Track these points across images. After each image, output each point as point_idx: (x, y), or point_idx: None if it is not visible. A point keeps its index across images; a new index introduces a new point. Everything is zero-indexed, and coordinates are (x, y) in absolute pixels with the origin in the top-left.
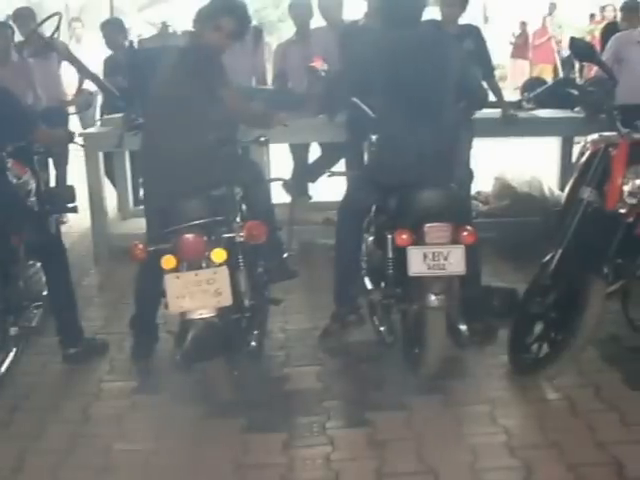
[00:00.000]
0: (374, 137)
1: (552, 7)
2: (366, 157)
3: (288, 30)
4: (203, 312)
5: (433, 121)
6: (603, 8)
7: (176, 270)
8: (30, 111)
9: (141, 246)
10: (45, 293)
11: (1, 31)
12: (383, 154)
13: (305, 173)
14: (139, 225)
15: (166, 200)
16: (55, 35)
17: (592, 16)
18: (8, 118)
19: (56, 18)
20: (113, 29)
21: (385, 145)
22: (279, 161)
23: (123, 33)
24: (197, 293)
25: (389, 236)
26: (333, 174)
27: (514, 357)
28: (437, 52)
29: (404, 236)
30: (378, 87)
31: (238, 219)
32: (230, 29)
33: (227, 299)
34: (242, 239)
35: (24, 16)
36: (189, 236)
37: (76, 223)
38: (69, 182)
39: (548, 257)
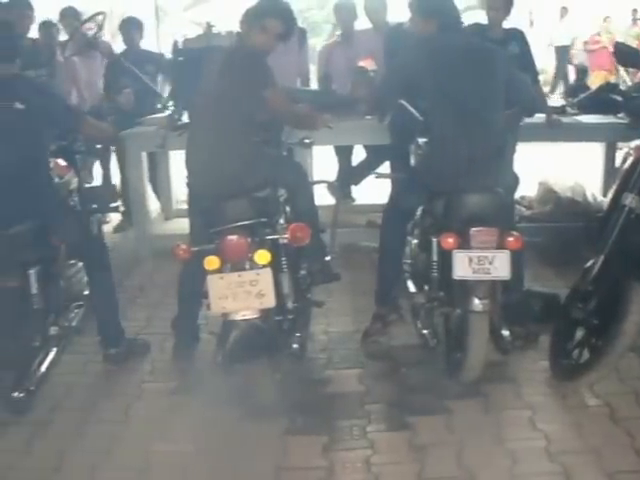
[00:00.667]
0: (421, 140)
1: (564, 11)
2: (412, 160)
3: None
4: (246, 313)
5: (482, 125)
6: (635, 11)
7: (219, 271)
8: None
9: (184, 246)
10: (86, 293)
11: (47, 30)
12: (431, 157)
13: (349, 175)
14: (181, 225)
15: (211, 201)
16: (98, 34)
17: (634, 20)
18: (55, 111)
19: (100, 17)
20: (130, 28)
21: (434, 148)
22: (323, 163)
23: (140, 32)
24: (240, 294)
25: (434, 239)
26: (379, 176)
27: (554, 363)
28: (485, 57)
29: (450, 240)
30: (427, 90)
31: (282, 221)
32: (276, 31)
33: (270, 301)
34: (286, 241)
35: (69, 15)
36: (233, 237)
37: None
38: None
39: (590, 263)
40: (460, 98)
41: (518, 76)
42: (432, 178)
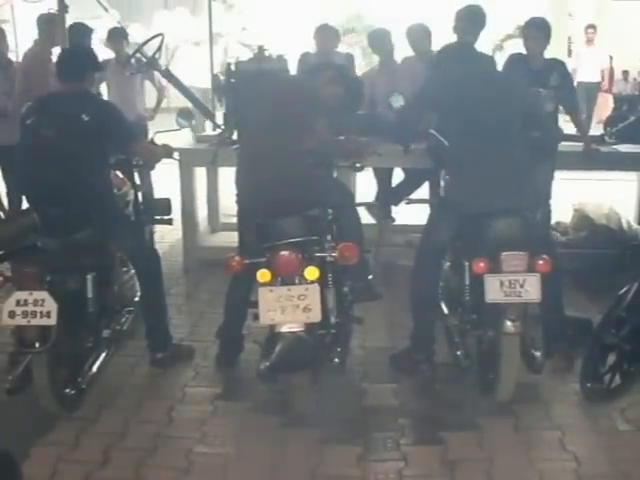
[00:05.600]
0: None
1: (590, 34)
2: (442, 187)
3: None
4: (293, 326)
5: (504, 150)
6: None
7: (270, 284)
8: (132, 125)
9: (237, 258)
10: (137, 299)
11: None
12: (458, 182)
13: (388, 196)
14: (227, 238)
15: (263, 217)
16: (157, 55)
17: None
18: (115, 127)
19: (159, 39)
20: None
21: (458, 173)
22: (362, 184)
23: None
24: (288, 307)
25: (466, 263)
26: (411, 202)
27: (585, 386)
28: (502, 86)
29: (481, 264)
30: (449, 117)
31: (329, 239)
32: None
33: (317, 315)
34: (333, 259)
35: (118, 36)
36: (285, 252)
37: (167, 234)
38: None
39: (624, 290)
40: (480, 124)
41: (538, 108)
42: (460, 204)
